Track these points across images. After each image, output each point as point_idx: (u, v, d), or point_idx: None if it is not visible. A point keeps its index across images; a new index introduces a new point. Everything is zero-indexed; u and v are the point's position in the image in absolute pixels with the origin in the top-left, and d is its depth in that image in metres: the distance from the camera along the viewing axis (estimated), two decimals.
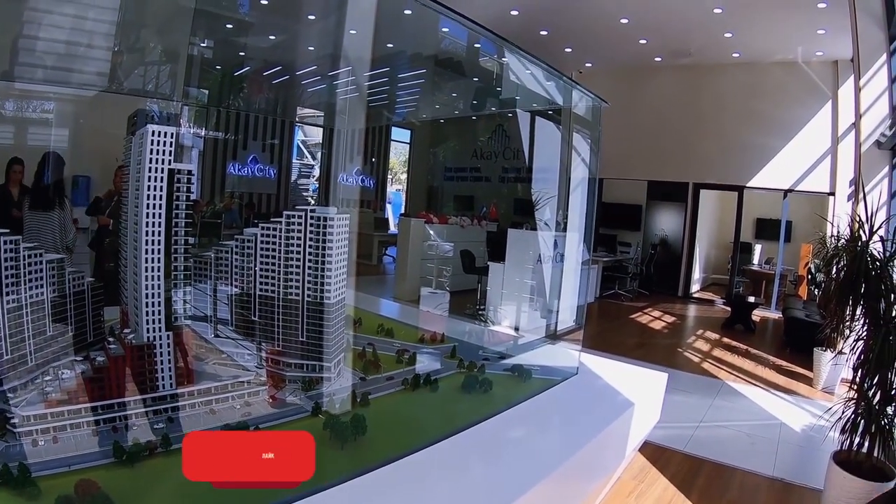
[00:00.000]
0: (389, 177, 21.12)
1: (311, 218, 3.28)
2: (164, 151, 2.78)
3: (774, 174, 14.28)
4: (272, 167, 15.26)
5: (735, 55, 13.89)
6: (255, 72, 12.93)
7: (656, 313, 13.32)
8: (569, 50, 14.92)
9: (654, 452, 5.44)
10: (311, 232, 3.27)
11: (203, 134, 12.46)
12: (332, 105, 14.34)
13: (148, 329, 2.84)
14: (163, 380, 2.89)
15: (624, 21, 12.19)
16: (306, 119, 17.05)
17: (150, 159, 2.75)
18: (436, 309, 7.77)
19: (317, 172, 17.02)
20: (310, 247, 3.27)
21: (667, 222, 16.52)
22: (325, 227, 3.26)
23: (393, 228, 17.19)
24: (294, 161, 16.74)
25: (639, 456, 5.27)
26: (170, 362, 2.91)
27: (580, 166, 6.52)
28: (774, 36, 12.22)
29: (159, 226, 2.81)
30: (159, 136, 2.79)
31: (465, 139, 18.56)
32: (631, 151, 15.61)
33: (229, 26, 10.39)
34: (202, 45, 9.60)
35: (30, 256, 2.91)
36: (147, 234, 2.77)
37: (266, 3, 10.64)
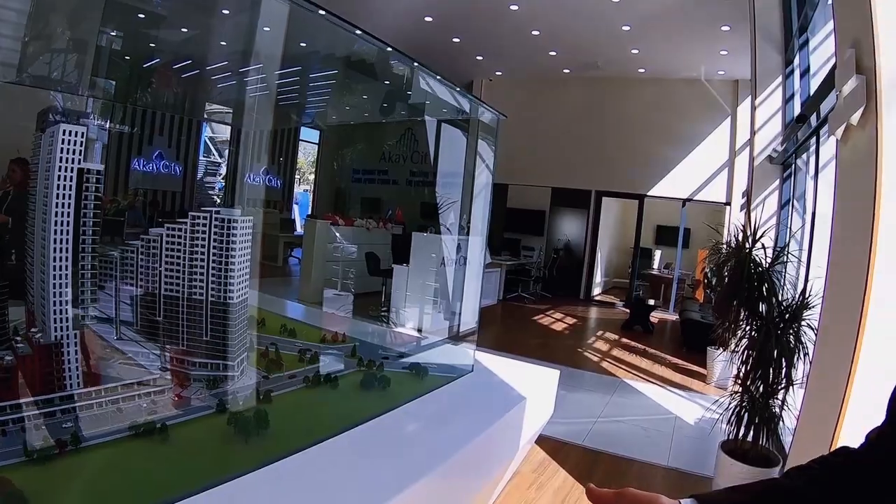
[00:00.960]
0: (297, 177, 20.97)
1: (216, 220, 3.34)
2: (74, 151, 2.81)
3: (675, 184, 14.93)
4: (178, 164, 15.02)
5: (641, 70, 14.51)
6: (164, 65, 12.70)
7: (558, 315, 13.69)
8: (480, 58, 15.19)
9: (553, 447, 5.66)
10: (215, 233, 3.32)
11: (108, 127, 12.18)
12: (241, 103, 14.22)
13: (55, 328, 2.86)
14: (70, 379, 2.91)
15: (535, 33, 12.53)
16: (214, 116, 16.81)
17: (60, 158, 2.78)
18: (339, 310, 7.85)
19: (223, 171, 16.81)
20: (214, 248, 3.32)
21: (570, 228, 16.99)
22: (229, 228, 3.33)
23: (299, 230, 17.08)
24: (200, 158, 16.48)
25: (538, 450, 5.49)
26: (77, 362, 2.93)
27: (484, 172, 6.71)
28: (679, 54, 12.77)
29: (68, 225, 2.83)
30: (71, 135, 2.81)
31: (373, 142, 18.59)
32: (537, 159, 16.05)
33: (141, 16, 10.21)
34: (111, 34, 9.40)
35: None
36: (55, 234, 2.78)
37: None
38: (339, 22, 3.56)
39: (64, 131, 2.80)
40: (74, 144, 2.83)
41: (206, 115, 16.44)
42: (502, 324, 12.34)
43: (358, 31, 3.81)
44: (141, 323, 3.52)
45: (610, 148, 15.72)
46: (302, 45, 11.46)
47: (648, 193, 15.45)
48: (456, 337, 5.93)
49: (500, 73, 16.74)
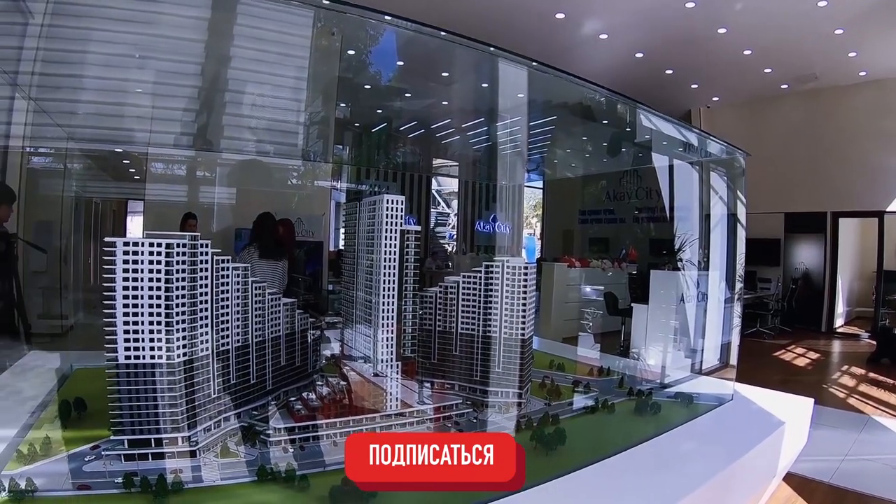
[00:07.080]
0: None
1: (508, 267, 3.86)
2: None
3: None
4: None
5: (862, 74, 13.83)
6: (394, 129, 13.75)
7: (800, 350, 13.22)
8: (695, 86, 15.23)
9: (800, 483, 5.66)
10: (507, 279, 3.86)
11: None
12: (465, 156, 15.20)
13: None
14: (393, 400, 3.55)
15: (747, 53, 12.49)
16: (441, 170, 17.89)
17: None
18: (590, 348, 8.15)
19: (453, 220, 17.84)
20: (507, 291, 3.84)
21: (806, 255, 16.26)
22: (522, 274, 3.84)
23: None
24: (432, 210, 17.57)
25: (785, 487, 5.52)
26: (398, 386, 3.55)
27: (718, 204, 6.81)
28: None
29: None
30: (394, 202, 3.51)
31: (597, 182, 18.63)
32: (764, 183, 15.34)
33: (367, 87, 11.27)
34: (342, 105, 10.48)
35: None
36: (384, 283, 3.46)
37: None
38: (556, 73, 4.00)
39: (387, 199, 3.44)
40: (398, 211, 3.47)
41: (434, 171, 17.47)
42: (742, 360, 12.10)
43: (575, 79, 4.24)
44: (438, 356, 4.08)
45: (840, 163, 14.90)
46: (520, 95, 12.02)
47: (888, 209, 14.43)
48: (712, 369, 6.14)
49: (716, 99, 16.59)
